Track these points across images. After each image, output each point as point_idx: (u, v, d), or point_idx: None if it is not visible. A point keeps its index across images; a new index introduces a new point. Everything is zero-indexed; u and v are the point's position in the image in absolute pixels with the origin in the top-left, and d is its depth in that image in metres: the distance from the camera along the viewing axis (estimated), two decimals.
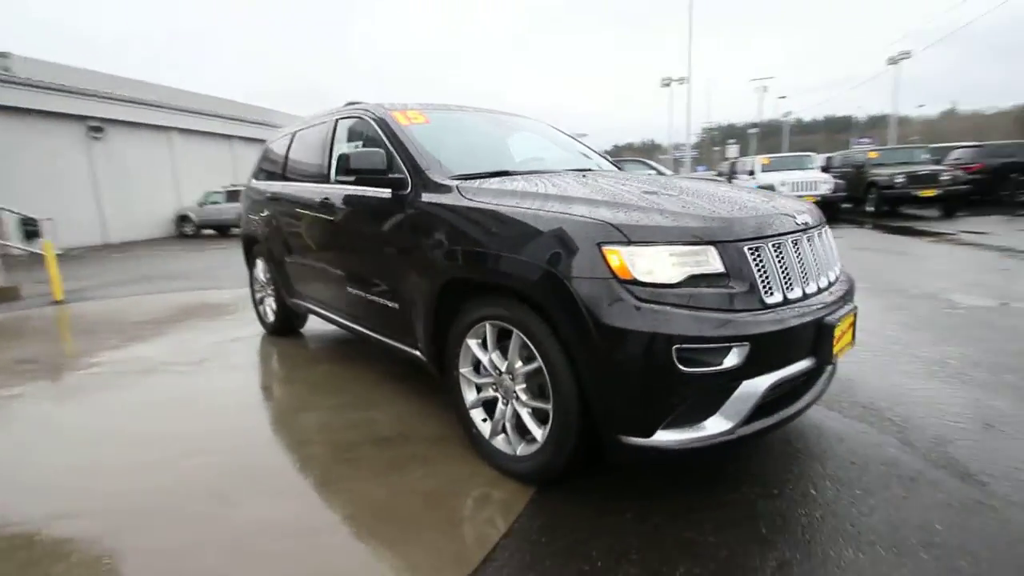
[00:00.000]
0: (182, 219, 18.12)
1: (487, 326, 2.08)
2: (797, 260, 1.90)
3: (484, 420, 2.22)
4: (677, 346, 1.60)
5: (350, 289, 2.97)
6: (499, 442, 2.14)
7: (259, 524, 1.87)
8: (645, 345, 1.62)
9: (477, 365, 2.22)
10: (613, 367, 1.67)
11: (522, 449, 2.05)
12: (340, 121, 3.24)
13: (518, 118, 3.61)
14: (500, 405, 2.12)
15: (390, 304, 2.62)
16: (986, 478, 1.98)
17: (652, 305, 1.63)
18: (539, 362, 1.88)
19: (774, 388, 1.74)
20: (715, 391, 1.68)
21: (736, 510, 1.86)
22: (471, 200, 2.18)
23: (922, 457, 2.13)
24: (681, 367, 1.61)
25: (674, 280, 1.66)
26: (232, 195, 16.53)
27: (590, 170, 3.00)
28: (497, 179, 2.39)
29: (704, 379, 1.64)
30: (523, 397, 2.02)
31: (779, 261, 1.82)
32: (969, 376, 2.91)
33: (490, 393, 2.17)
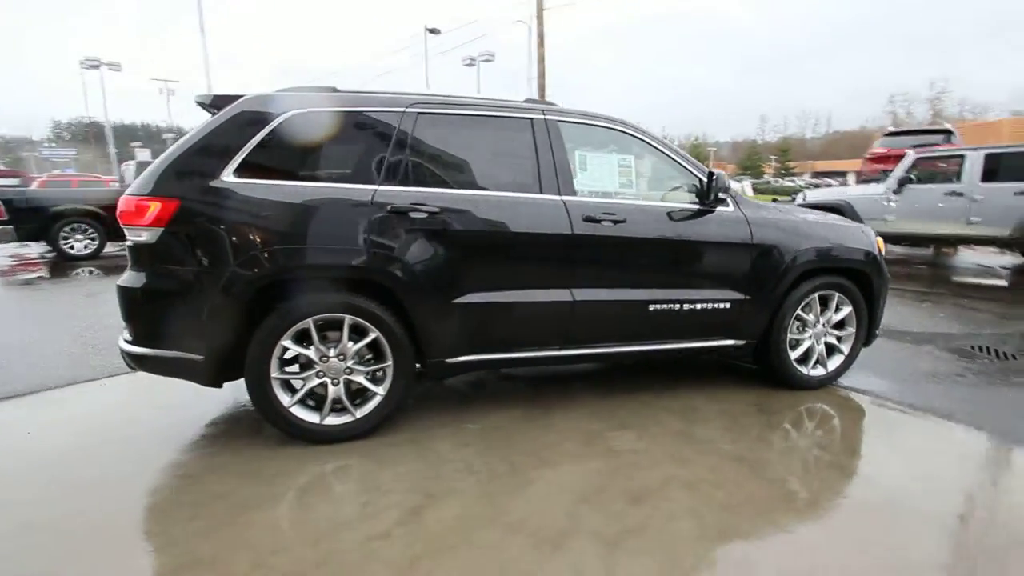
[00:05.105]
0: None
1: (816, 296, 3.32)
2: None
3: (800, 364, 3.41)
4: None
5: (655, 307, 3.07)
6: (812, 372, 3.42)
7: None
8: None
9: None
10: (882, 297, 3.48)
11: (815, 371, 3.42)
12: (561, 124, 2.99)
13: None
14: (816, 347, 3.41)
15: (721, 306, 3.15)
16: None
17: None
18: (850, 308, 3.38)
19: None
20: None
21: None
22: (756, 212, 3.27)
23: None
24: None
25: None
26: None
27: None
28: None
29: None
30: (835, 332, 3.44)
31: None
32: None
33: (808, 344, 3.39)
